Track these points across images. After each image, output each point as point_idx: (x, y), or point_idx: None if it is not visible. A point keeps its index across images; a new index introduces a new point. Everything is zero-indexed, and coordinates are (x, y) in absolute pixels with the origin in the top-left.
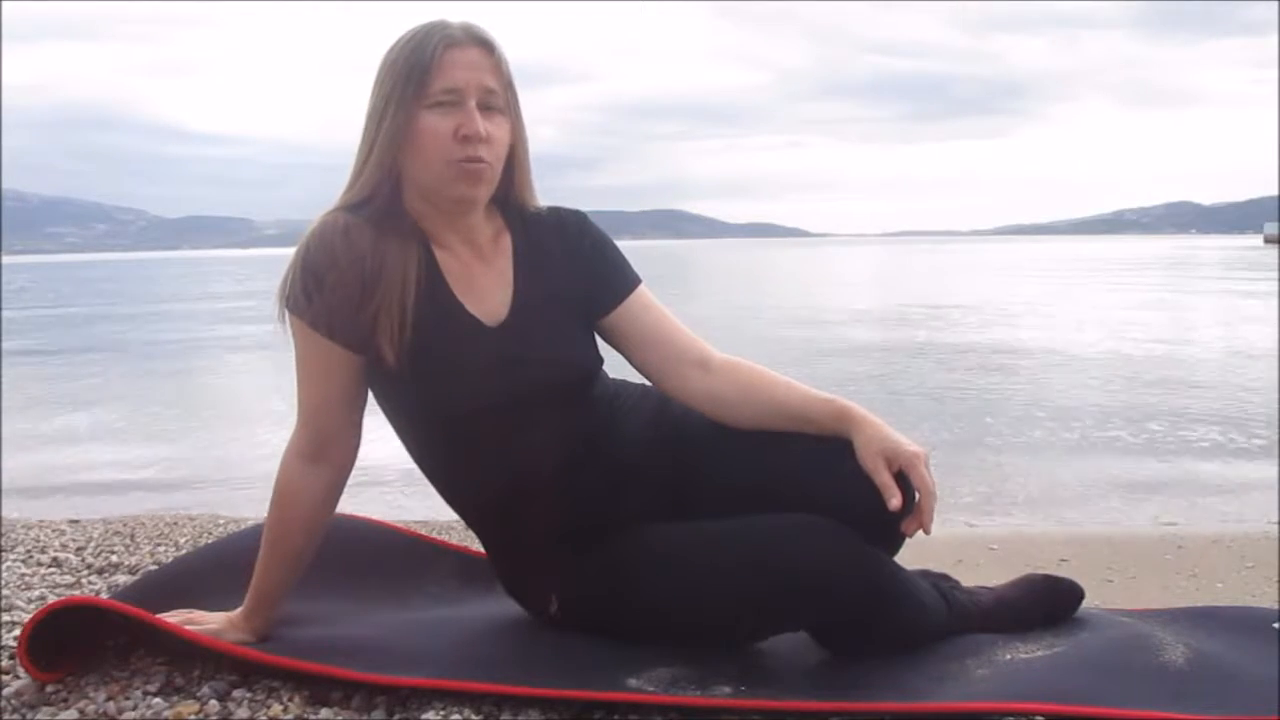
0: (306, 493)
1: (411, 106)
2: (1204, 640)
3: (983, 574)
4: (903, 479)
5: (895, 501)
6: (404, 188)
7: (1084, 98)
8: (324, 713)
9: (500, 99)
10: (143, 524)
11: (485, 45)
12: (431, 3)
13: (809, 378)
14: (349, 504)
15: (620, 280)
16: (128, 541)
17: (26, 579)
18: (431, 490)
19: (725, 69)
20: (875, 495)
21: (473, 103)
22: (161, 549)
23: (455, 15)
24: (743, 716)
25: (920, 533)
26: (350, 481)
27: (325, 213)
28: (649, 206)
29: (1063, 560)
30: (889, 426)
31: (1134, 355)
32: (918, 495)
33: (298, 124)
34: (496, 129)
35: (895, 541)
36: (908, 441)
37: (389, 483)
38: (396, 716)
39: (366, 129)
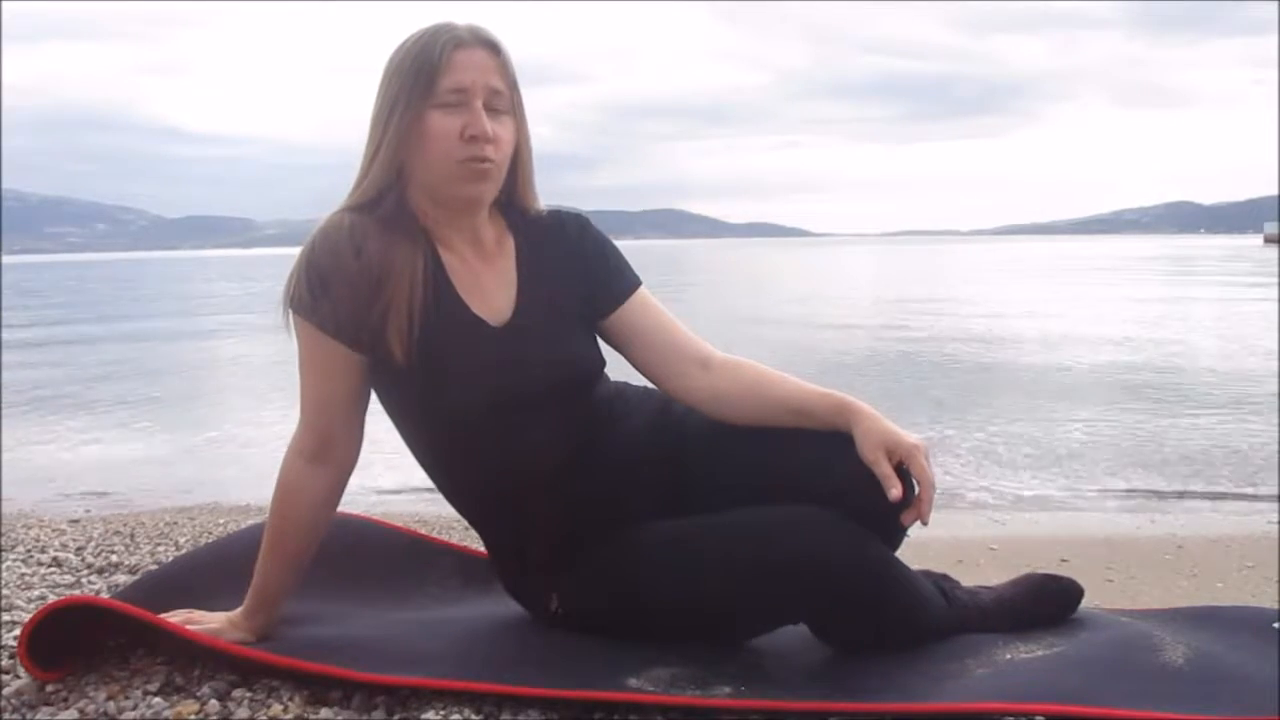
0: (308, 493)
1: (419, 106)
2: (1204, 640)
3: (983, 574)
4: (902, 471)
5: (896, 492)
6: (410, 188)
7: (1084, 97)
8: (324, 713)
9: (506, 101)
10: (143, 524)
11: (492, 47)
12: (432, 3)
13: (811, 376)
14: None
15: (621, 282)
16: (128, 541)
17: (26, 579)
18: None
19: (725, 69)
20: (875, 487)
21: (479, 103)
22: (161, 549)
23: (457, 17)
24: (743, 716)
25: (920, 525)
26: None
27: (331, 213)
28: (649, 206)
29: (1063, 560)
30: (888, 419)
31: (1133, 352)
32: (917, 487)
33: (298, 124)
34: (502, 130)
35: (895, 534)
36: (907, 434)
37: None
38: (396, 716)
39: (373, 129)
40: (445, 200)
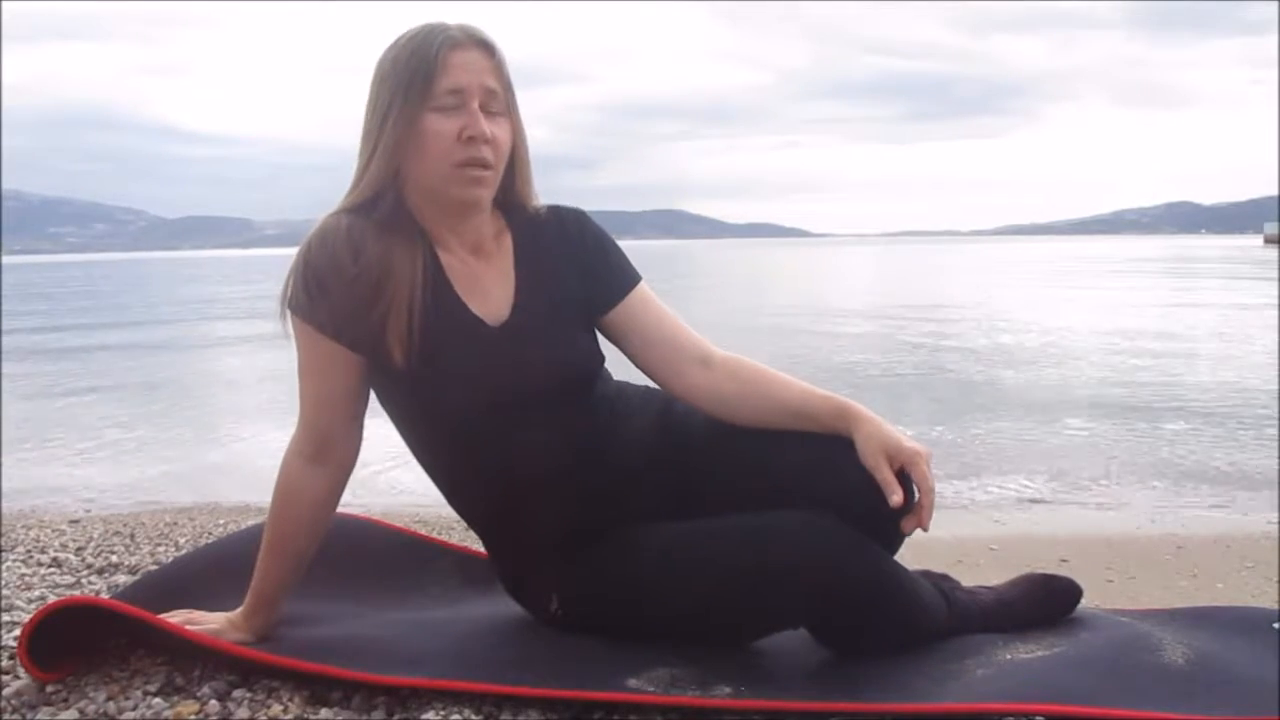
0: (307, 493)
1: (415, 108)
2: (1204, 640)
3: (983, 574)
4: (903, 477)
5: (896, 498)
6: (407, 189)
7: (1084, 97)
8: (324, 713)
9: (501, 102)
10: (143, 524)
11: (486, 47)
12: (432, 3)
13: (811, 377)
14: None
15: (620, 278)
16: (128, 541)
17: (26, 579)
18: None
19: (725, 69)
20: (876, 492)
21: (476, 104)
22: (161, 549)
23: (453, 16)
24: (743, 716)
25: (919, 530)
26: None
27: (327, 215)
28: (649, 206)
29: (1063, 560)
30: (889, 424)
31: (1135, 354)
32: (917, 493)
33: (298, 124)
34: (499, 130)
35: (895, 539)
36: (909, 439)
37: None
38: (396, 716)
39: (368, 131)
40: (443, 202)
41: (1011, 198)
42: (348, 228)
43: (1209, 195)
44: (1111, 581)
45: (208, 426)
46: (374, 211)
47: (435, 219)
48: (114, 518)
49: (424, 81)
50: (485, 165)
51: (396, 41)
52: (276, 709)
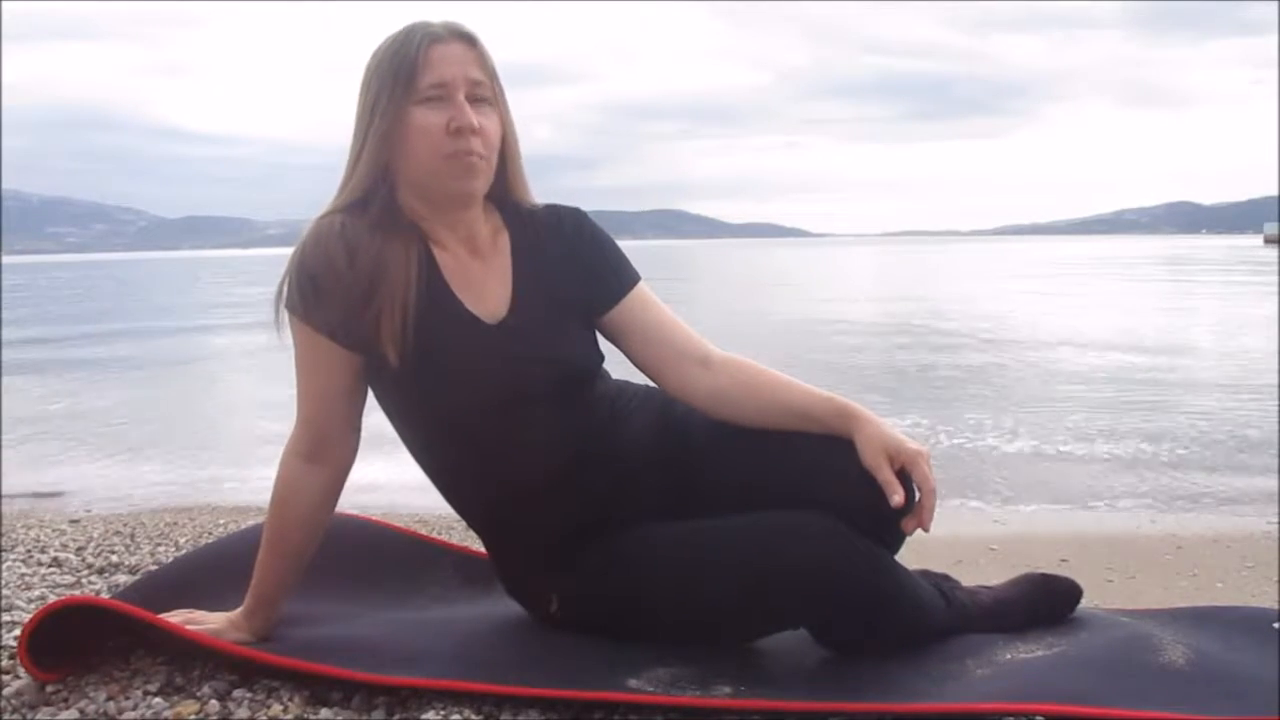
0: (306, 492)
1: (400, 104)
2: (1204, 640)
3: (983, 574)
4: (904, 477)
5: (898, 498)
6: (399, 187)
7: (1084, 97)
8: (324, 713)
9: (488, 90)
10: (143, 524)
11: (467, 39)
12: (432, 3)
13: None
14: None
15: (619, 278)
16: (128, 541)
17: (26, 579)
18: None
19: (725, 69)
20: (876, 493)
21: (461, 95)
22: (161, 549)
23: (452, 16)
24: (743, 716)
25: (920, 531)
26: None
27: (320, 215)
28: (649, 206)
29: (1063, 560)
30: (889, 425)
31: (1135, 353)
32: (918, 494)
33: (297, 124)
34: (487, 120)
35: (895, 540)
36: (909, 440)
37: None
38: (396, 716)
39: (356, 131)
40: (436, 197)
41: (1011, 198)
42: (341, 227)
43: (1209, 195)
44: (1111, 581)
45: (209, 428)
46: (366, 212)
47: (429, 215)
48: (114, 518)
49: (407, 78)
50: (475, 155)
51: (381, 43)
52: (276, 709)
